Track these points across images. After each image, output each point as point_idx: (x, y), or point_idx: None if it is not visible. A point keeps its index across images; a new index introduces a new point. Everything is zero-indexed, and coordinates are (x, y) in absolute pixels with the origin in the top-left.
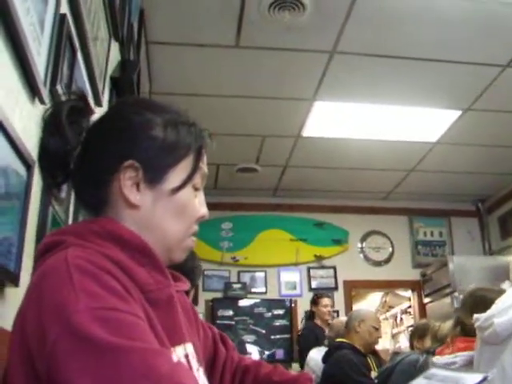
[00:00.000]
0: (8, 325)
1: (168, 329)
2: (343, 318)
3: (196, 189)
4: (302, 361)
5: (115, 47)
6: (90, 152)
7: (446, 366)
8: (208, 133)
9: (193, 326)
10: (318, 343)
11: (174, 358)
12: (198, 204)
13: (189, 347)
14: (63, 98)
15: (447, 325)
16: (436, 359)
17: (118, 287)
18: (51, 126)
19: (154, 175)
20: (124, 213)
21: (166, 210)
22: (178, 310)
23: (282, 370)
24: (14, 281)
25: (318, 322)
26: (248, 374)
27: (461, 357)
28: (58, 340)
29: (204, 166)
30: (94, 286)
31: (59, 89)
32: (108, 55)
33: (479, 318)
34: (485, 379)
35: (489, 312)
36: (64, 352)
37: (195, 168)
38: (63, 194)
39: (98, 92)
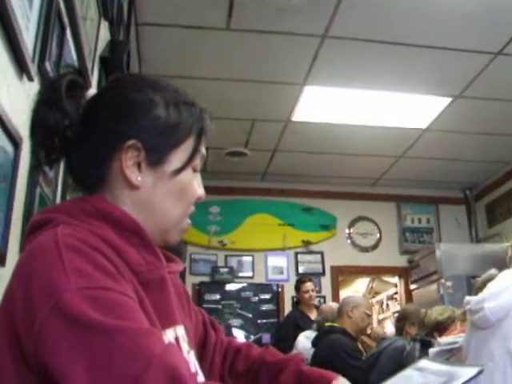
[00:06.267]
0: None
1: (159, 311)
2: (332, 304)
3: (195, 170)
4: (280, 349)
5: (105, 27)
6: (89, 129)
7: (443, 351)
8: (209, 114)
9: (185, 309)
10: (301, 330)
11: (165, 341)
12: (196, 185)
13: (179, 330)
14: (54, 73)
15: (434, 311)
16: (441, 339)
17: (109, 267)
18: (50, 99)
19: (155, 156)
20: (123, 193)
21: (167, 192)
22: (170, 292)
23: (274, 351)
24: (1, 260)
25: (302, 307)
26: (239, 354)
27: (462, 338)
28: (46, 319)
29: (203, 148)
30: (85, 265)
31: (48, 66)
32: (97, 35)
33: (470, 301)
34: (480, 373)
35: (480, 295)
36: (53, 332)
37: (196, 150)
38: (51, 174)
39: (87, 71)
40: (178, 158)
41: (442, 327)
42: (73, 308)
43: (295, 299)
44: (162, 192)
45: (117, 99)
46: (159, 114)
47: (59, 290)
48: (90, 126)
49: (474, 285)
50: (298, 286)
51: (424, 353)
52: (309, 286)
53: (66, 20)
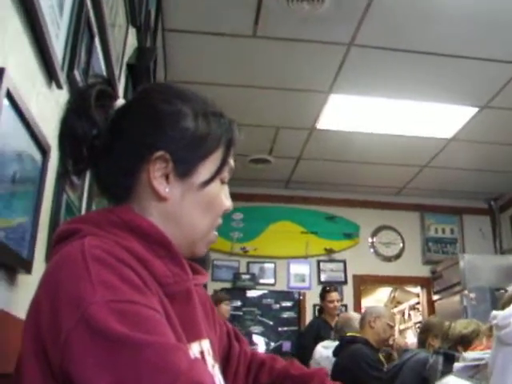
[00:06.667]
0: (20, 312)
1: (185, 324)
2: (348, 313)
3: (223, 182)
4: (300, 357)
5: (132, 34)
6: (117, 139)
7: (468, 366)
8: (237, 125)
9: (209, 321)
10: (322, 339)
11: (191, 356)
12: (224, 197)
13: (205, 344)
14: (82, 83)
15: (458, 324)
16: (467, 354)
17: (135, 280)
18: (79, 108)
19: (184, 168)
20: (150, 204)
21: (195, 204)
22: (196, 305)
23: (299, 365)
24: (27, 268)
25: (325, 316)
26: (263, 367)
27: (489, 354)
28: (72, 332)
29: (231, 160)
30: (112, 277)
31: (77, 74)
32: (125, 42)
33: (496, 316)
34: None
35: (507, 310)
36: (79, 345)
37: (225, 161)
38: (77, 181)
39: (115, 78)
40: (206, 169)
41: (466, 341)
42: (99, 321)
43: (319, 308)
44: (190, 204)
45: (145, 110)
46: (188, 125)
47: (85, 303)
48: (118, 136)
49: (498, 297)
50: (323, 295)
51: (447, 366)
52: (334, 295)
53: (95, 28)
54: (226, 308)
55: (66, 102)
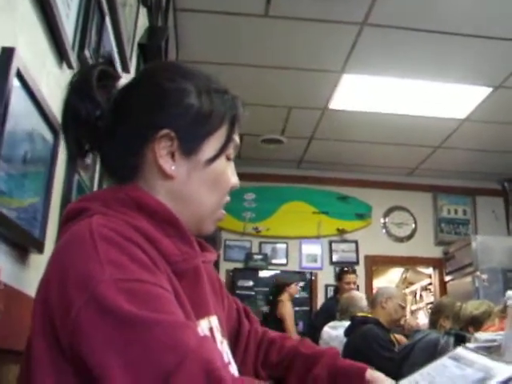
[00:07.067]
0: (32, 291)
1: (193, 301)
2: (355, 293)
3: (228, 159)
4: (312, 336)
5: (143, 13)
6: (121, 119)
7: (479, 347)
8: (241, 101)
9: (218, 297)
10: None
11: (199, 332)
12: (230, 174)
13: (213, 320)
14: (93, 61)
15: (470, 305)
16: (479, 334)
17: (144, 258)
18: (81, 89)
19: (189, 145)
20: (156, 183)
21: (201, 181)
22: (205, 282)
23: (309, 343)
24: (39, 247)
25: (338, 296)
26: (273, 345)
27: (501, 335)
28: (82, 311)
29: (236, 136)
30: (120, 256)
31: (87, 53)
32: (136, 21)
33: (511, 296)
34: None
35: None
36: (88, 323)
37: (229, 138)
38: (89, 161)
39: (126, 58)
40: (211, 146)
41: (477, 322)
42: (108, 300)
43: (334, 288)
44: (196, 181)
45: (149, 88)
46: (192, 103)
47: (94, 282)
48: (122, 116)
49: (510, 279)
50: (340, 276)
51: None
52: (352, 277)
53: (105, 7)
54: (295, 288)
55: (68, 83)
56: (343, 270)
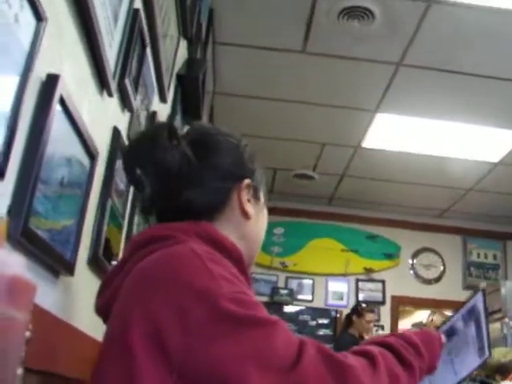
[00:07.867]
0: (60, 312)
1: None
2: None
3: None
4: None
5: (183, 45)
6: (206, 167)
7: None
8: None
9: None
10: None
11: None
12: None
13: None
14: (132, 90)
15: (497, 352)
16: (505, 383)
17: (237, 274)
18: (165, 140)
19: (257, 192)
20: (237, 222)
21: (263, 222)
22: None
23: None
24: (70, 270)
25: (352, 331)
26: None
27: None
28: (207, 321)
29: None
30: (225, 273)
31: (127, 82)
32: (176, 52)
33: None
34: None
35: None
36: (218, 336)
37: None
38: (122, 186)
39: (164, 88)
40: (262, 192)
41: (504, 370)
42: (229, 310)
43: (348, 318)
44: (261, 222)
45: (228, 146)
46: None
47: (215, 295)
48: (204, 164)
49: None
50: (360, 312)
51: None
52: (373, 316)
53: (147, 38)
54: (371, 316)
55: (137, 135)
56: (366, 308)
